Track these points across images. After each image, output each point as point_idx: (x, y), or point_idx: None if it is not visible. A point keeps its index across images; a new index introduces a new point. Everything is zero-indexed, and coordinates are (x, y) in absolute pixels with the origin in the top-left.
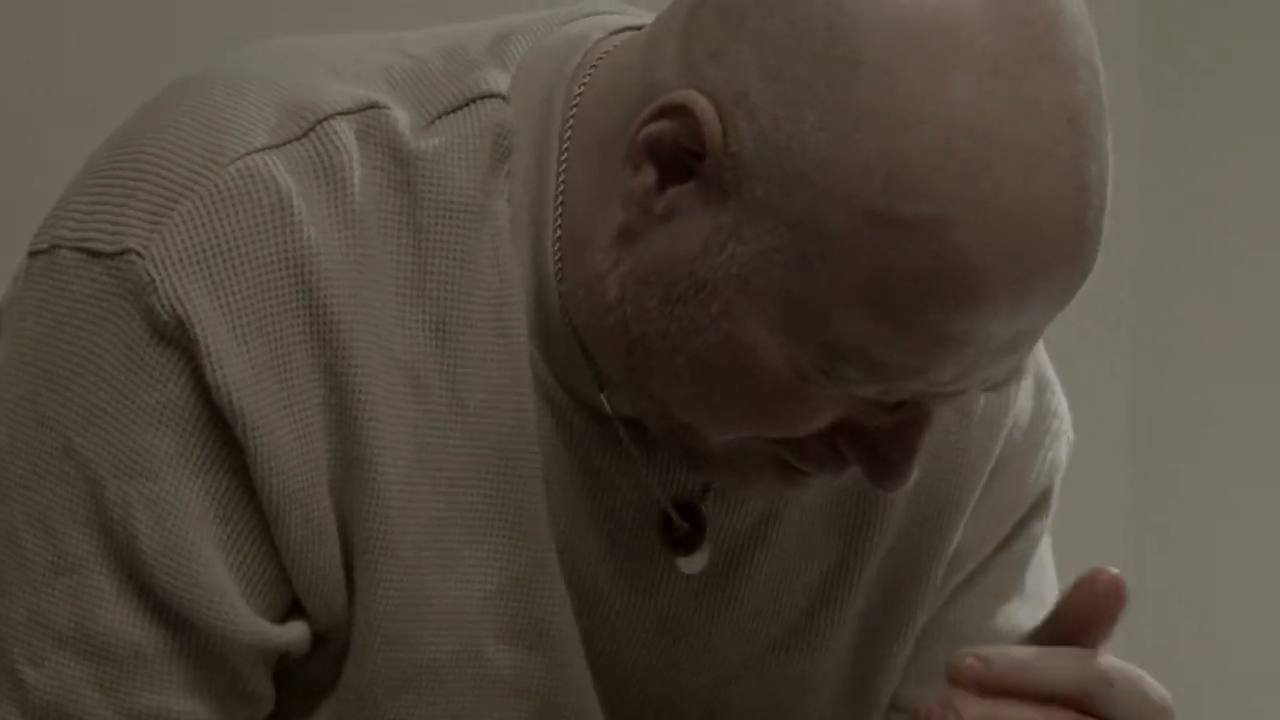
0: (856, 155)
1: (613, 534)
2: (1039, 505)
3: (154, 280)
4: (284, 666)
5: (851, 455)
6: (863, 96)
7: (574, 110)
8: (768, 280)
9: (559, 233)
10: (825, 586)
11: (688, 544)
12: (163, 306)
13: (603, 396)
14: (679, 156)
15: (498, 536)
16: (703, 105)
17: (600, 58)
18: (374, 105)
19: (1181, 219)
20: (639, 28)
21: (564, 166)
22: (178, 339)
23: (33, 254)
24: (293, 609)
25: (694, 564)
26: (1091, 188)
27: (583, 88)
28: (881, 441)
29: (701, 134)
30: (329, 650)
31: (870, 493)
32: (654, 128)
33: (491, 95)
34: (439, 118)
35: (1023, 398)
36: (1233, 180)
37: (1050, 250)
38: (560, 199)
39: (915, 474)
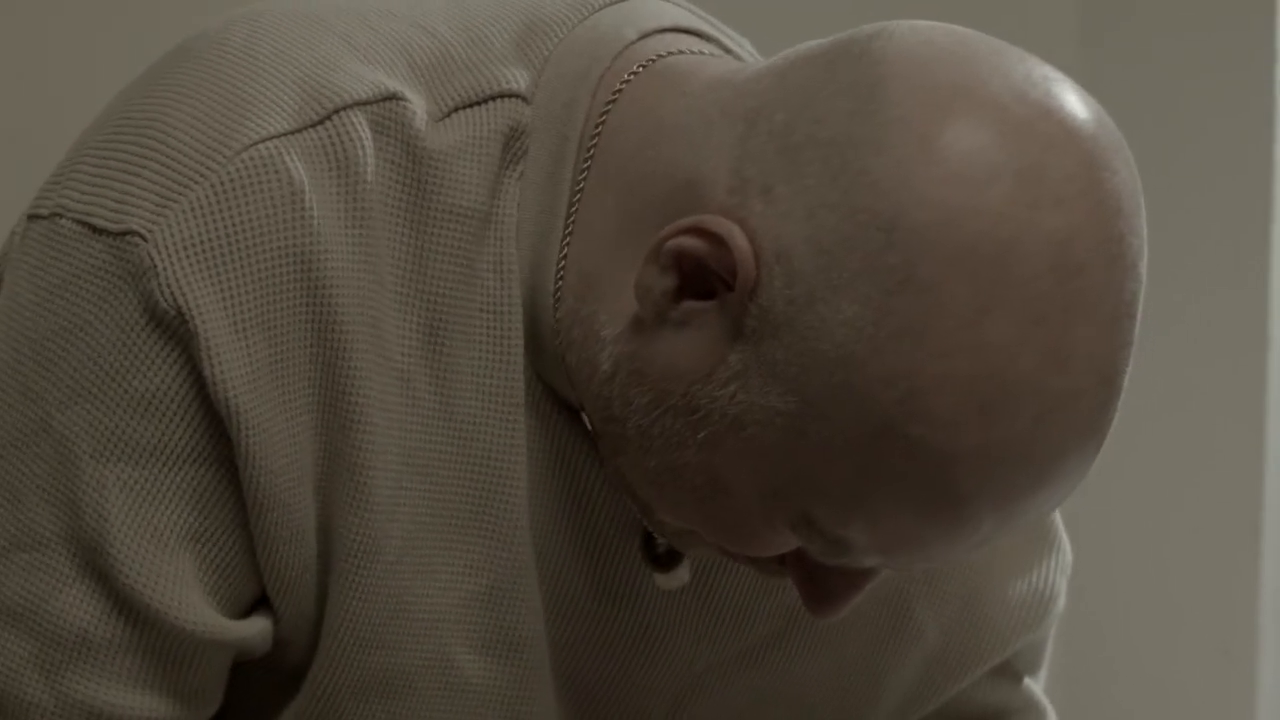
0: (882, 365)
1: (591, 542)
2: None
3: (156, 266)
4: (241, 665)
5: (794, 577)
6: (903, 310)
7: (599, 128)
8: (763, 435)
9: (565, 251)
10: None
11: (667, 560)
12: (163, 294)
13: (584, 415)
14: (705, 274)
15: (476, 543)
16: (741, 246)
17: (634, 73)
18: (392, 96)
19: None
20: (672, 29)
21: (581, 185)
22: (175, 329)
23: (33, 216)
24: (255, 605)
25: (673, 580)
26: (1100, 435)
27: (610, 104)
28: (827, 577)
29: (733, 267)
30: (292, 652)
31: None
32: (687, 241)
33: (511, 94)
34: (456, 110)
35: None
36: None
37: (1045, 488)
38: (571, 219)
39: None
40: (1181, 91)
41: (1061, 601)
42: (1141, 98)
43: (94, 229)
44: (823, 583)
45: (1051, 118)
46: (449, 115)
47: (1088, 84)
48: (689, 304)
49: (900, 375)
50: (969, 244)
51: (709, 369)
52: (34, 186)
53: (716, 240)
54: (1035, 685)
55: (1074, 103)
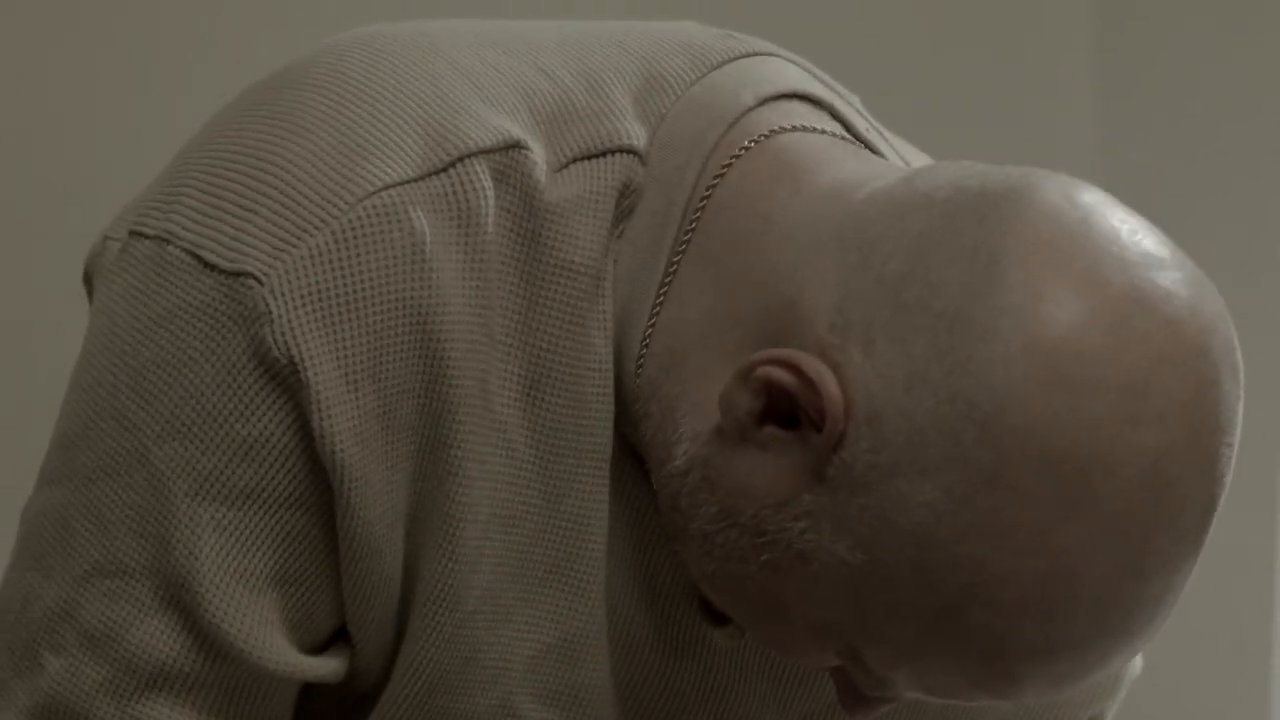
0: (956, 551)
1: (657, 597)
2: None
3: (271, 312)
4: (310, 689)
5: (834, 679)
6: (985, 506)
7: (705, 200)
8: (826, 575)
9: (654, 319)
10: None
11: (724, 616)
12: (275, 341)
13: (651, 478)
14: (792, 405)
15: (555, 597)
16: (834, 396)
17: (746, 147)
18: (515, 144)
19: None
20: (789, 94)
21: (680, 254)
22: (285, 377)
23: (136, 234)
24: (332, 640)
25: (732, 636)
26: (1156, 629)
27: (720, 177)
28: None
29: (822, 411)
30: (364, 680)
31: None
32: (778, 374)
33: (629, 150)
34: (575, 161)
35: None
36: (1185, 180)
37: (1094, 672)
38: (665, 286)
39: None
40: (1198, 91)
41: (1137, 669)
42: (1157, 99)
43: (205, 264)
44: (861, 694)
45: (1167, 329)
46: (567, 166)
47: (1103, 85)
48: (772, 429)
49: (972, 564)
50: (1062, 453)
51: (782, 499)
52: (34, 187)
53: (809, 382)
54: None
55: (1194, 307)
